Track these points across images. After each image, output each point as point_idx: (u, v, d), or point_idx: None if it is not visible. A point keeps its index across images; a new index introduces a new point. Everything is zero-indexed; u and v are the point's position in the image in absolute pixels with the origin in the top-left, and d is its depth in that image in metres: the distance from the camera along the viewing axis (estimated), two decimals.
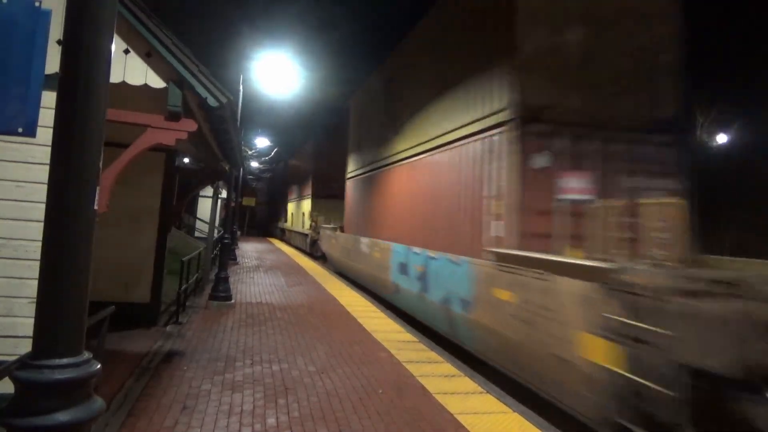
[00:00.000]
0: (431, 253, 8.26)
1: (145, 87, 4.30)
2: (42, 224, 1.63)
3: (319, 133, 27.57)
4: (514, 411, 4.66)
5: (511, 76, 6.49)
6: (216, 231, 13.73)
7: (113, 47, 1.78)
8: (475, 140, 7.41)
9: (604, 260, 4.82)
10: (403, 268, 9.56)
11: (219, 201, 13.78)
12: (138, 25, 4.15)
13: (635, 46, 6.65)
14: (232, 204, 13.44)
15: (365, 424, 4.21)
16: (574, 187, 6.18)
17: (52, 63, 2.00)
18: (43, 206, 1.63)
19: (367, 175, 14.26)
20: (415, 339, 7.39)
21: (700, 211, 6.14)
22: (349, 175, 16.64)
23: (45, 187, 1.64)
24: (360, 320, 8.53)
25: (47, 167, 1.64)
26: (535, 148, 6.27)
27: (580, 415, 4.60)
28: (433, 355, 6.55)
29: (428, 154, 9.50)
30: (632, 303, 3.97)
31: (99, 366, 1.66)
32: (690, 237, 5.49)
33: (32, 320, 1.61)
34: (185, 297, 8.34)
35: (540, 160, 6.22)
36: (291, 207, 33.27)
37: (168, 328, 7.26)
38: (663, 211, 5.36)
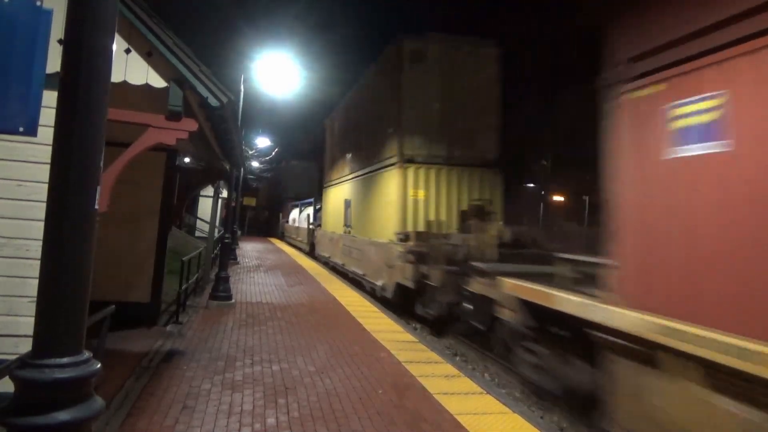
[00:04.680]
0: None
1: (146, 86, 4.30)
2: (43, 223, 1.63)
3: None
4: (514, 411, 4.65)
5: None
6: (216, 230, 13.73)
7: (114, 46, 1.78)
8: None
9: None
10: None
11: (219, 201, 13.78)
12: (139, 25, 4.16)
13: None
14: (233, 204, 13.43)
15: (365, 424, 4.21)
16: None
17: (54, 62, 2.00)
18: (44, 205, 1.63)
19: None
20: (415, 339, 7.39)
21: None
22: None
23: (46, 186, 1.64)
24: (360, 320, 8.53)
25: (48, 166, 1.64)
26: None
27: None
28: (433, 355, 6.55)
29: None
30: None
31: (99, 365, 1.66)
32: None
33: (33, 319, 1.61)
34: (185, 297, 8.34)
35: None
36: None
37: (168, 327, 7.26)
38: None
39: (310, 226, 23.55)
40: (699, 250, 3.28)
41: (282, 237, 35.42)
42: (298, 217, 28.83)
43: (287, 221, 34.10)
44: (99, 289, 3.55)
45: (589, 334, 4.16)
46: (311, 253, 22.21)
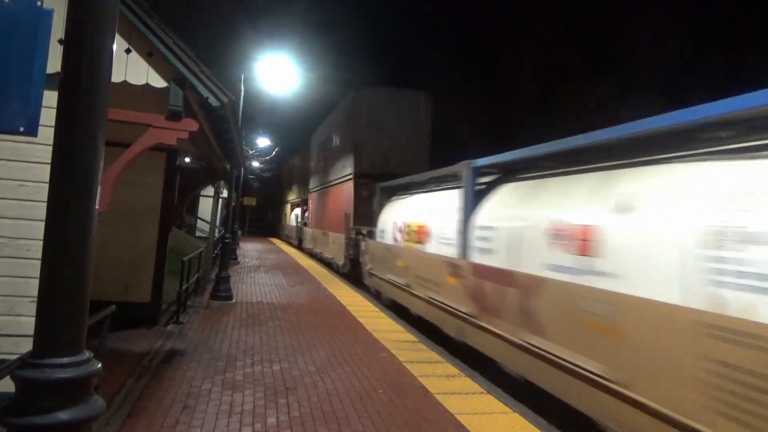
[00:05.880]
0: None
1: (147, 86, 4.30)
2: (44, 223, 1.63)
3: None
4: (515, 411, 4.66)
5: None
6: (217, 230, 13.74)
7: (115, 46, 1.78)
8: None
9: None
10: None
11: (220, 200, 13.79)
12: (140, 25, 4.16)
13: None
14: (233, 204, 13.44)
15: (365, 424, 4.21)
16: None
17: (54, 62, 2.00)
18: (45, 205, 1.63)
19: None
20: (415, 339, 7.39)
21: None
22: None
23: (47, 186, 1.64)
24: (360, 320, 8.53)
25: (49, 166, 1.64)
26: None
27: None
28: (434, 355, 6.55)
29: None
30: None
31: (99, 365, 1.66)
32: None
33: (34, 319, 1.61)
34: (186, 296, 8.35)
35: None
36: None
37: (169, 327, 7.27)
38: None
39: None
40: None
41: (361, 269, 13.29)
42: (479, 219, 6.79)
43: (369, 232, 13.10)
44: (99, 289, 3.56)
45: None
46: None
